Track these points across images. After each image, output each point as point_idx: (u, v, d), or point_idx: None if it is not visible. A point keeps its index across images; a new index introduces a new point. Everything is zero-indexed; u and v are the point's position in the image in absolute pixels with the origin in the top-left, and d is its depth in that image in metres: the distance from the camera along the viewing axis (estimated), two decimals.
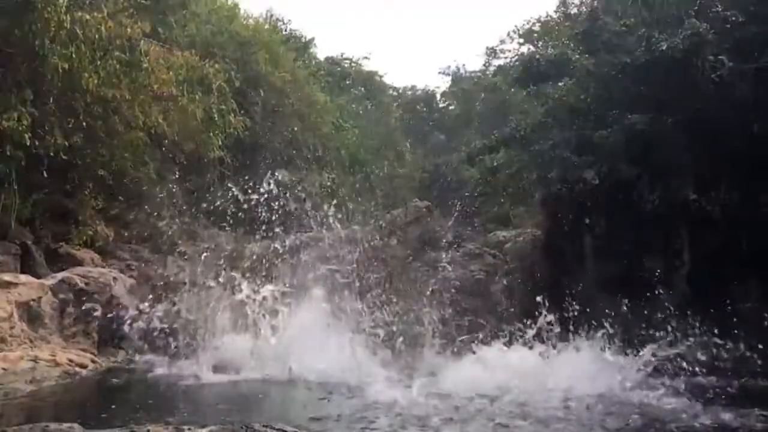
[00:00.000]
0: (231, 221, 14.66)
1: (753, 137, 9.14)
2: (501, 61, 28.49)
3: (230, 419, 5.43)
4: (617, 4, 12.09)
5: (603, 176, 10.41)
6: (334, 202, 18.15)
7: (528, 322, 8.46)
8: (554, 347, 8.01)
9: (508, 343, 8.33)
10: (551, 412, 5.84)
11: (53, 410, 5.83)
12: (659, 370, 7.64)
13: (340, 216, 17.61)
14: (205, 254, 13.07)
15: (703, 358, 8.50)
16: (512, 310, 10.55)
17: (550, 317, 8.24)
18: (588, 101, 11.34)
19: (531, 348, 8.06)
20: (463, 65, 33.97)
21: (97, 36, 9.31)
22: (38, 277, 8.48)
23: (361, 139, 20.90)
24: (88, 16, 9.27)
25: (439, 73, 38.88)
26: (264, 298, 9.88)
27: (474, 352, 8.03)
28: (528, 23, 27.21)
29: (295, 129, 16.77)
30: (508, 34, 28.66)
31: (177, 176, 11.82)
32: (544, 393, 6.44)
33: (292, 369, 7.57)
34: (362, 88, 27.82)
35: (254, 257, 11.45)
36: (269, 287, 9.11)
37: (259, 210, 15.29)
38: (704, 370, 7.58)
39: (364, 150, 21.07)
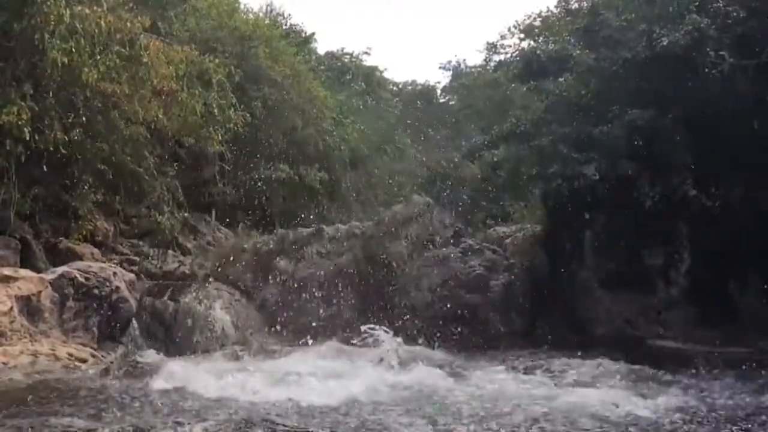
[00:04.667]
0: (231, 216, 14.71)
1: (754, 133, 9.12)
2: (501, 57, 28.41)
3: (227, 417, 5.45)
4: None
5: (603, 172, 10.39)
6: (335, 197, 18.26)
7: None
8: None
9: None
10: None
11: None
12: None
13: (340, 212, 17.70)
14: (205, 249, 13.14)
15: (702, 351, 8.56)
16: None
17: None
18: (588, 97, 11.31)
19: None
20: (464, 60, 33.95)
21: (96, 30, 9.28)
22: (38, 271, 8.48)
23: (361, 134, 20.84)
24: (87, 11, 9.24)
25: (440, 68, 38.96)
26: None
27: None
28: (528, 18, 27.13)
29: (295, 124, 16.74)
30: (509, 30, 28.58)
31: (177, 171, 11.79)
32: None
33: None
34: (362, 83, 27.75)
35: (254, 252, 11.47)
36: None
37: (260, 205, 15.38)
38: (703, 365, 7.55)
39: (364, 145, 21.02)
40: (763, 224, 9.03)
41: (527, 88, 13.50)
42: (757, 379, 6.98)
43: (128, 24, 9.81)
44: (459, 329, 9.97)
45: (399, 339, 8.65)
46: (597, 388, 6.75)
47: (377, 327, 8.61)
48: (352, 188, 19.72)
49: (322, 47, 26.66)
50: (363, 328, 8.70)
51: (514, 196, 16.87)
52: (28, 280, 7.85)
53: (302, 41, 22.66)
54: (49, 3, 8.61)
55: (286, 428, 5.19)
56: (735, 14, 9.58)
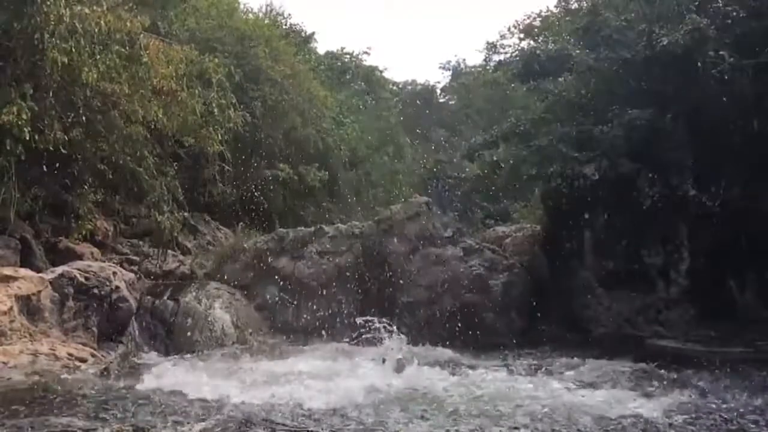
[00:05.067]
0: (231, 215, 14.71)
1: (753, 133, 9.13)
2: (501, 57, 28.44)
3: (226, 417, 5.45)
4: None
5: (603, 171, 10.40)
6: (334, 197, 18.27)
7: None
8: None
9: None
10: None
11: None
12: None
13: (340, 211, 17.69)
14: (205, 249, 13.14)
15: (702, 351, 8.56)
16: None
17: None
18: (588, 96, 11.31)
19: None
20: (464, 60, 34.08)
21: (96, 30, 9.27)
22: (38, 271, 8.49)
23: (361, 134, 20.86)
24: (87, 10, 9.23)
25: (440, 67, 39.04)
26: None
27: None
28: (528, 18, 27.20)
29: (295, 124, 16.74)
30: (509, 29, 28.66)
31: (177, 171, 11.78)
32: None
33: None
34: (362, 83, 27.77)
35: (254, 252, 11.47)
36: None
37: (259, 204, 15.37)
38: (705, 365, 7.53)
39: (364, 145, 21.04)
40: (763, 224, 9.03)
41: (527, 87, 13.50)
42: (759, 379, 6.97)
43: (128, 24, 9.80)
44: (459, 329, 9.96)
45: (401, 337, 8.67)
46: (600, 387, 6.71)
47: (379, 320, 8.63)
48: (352, 188, 19.72)
49: (322, 47, 26.72)
50: (359, 320, 8.73)
51: (513, 196, 16.89)
52: (28, 280, 7.86)
53: (302, 41, 22.67)
54: (48, 3, 8.61)
55: (286, 428, 5.19)
56: (735, 14, 9.58)
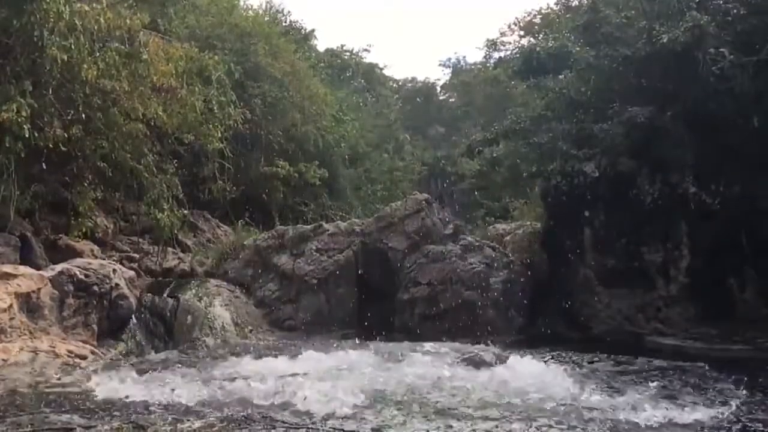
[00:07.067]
0: (231, 213, 14.71)
1: (753, 130, 9.12)
2: (501, 54, 28.54)
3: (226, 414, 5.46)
4: None
5: (603, 169, 10.40)
6: (334, 194, 18.26)
7: None
8: None
9: None
10: None
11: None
12: None
13: (339, 208, 17.69)
14: (205, 246, 13.14)
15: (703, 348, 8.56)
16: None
17: None
18: (588, 94, 11.30)
19: None
20: (464, 57, 34.28)
21: (96, 27, 9.28)
22: (38, 268, 8.49)
23: (360, 131, 20.86)
24: (87, 7, 9.23)
25: (440, 65, 39.13)
26: None
27: None
28: (529, 15, 27.34)
29: (295, 121, 16.74)
30: (509, 27, 28.78)
31: (176, 168, 11.79)
32: None
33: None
34: (362, 81, 27.83)
35: (254, 249, 11.48)
36: None
37: (259, 202, 15.37)
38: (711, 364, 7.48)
39: (363, 142, 21.04)
40: (763, 222, 9.03)
41: (527, 85, 13.50)
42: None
43: (128, 21, 9.80)
44: (459, 327, 9.96)
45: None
46: (614, 389, 6.52)
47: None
48: (352, 185, 19.73)
49: (322, 44, 26.76)
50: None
51: (513, 193, 16.88)
52: (27, 277, 7.85)
53: (302, 38, 22.67)
54: (48, 0, 8.60)
55: (286, 425, 5.20)
56: (735, 11, 9.58)
